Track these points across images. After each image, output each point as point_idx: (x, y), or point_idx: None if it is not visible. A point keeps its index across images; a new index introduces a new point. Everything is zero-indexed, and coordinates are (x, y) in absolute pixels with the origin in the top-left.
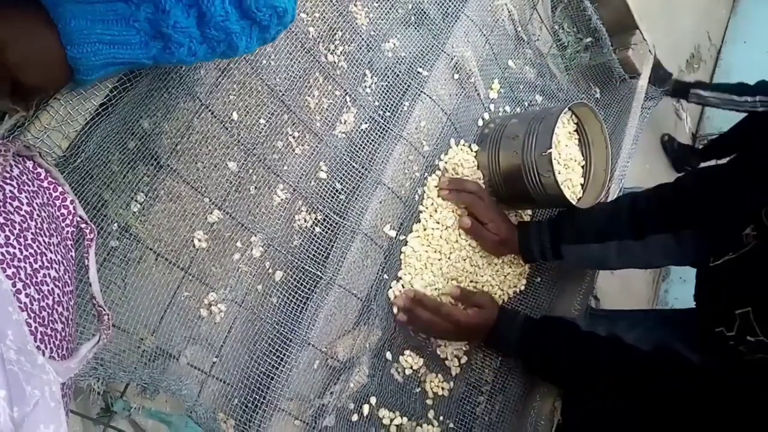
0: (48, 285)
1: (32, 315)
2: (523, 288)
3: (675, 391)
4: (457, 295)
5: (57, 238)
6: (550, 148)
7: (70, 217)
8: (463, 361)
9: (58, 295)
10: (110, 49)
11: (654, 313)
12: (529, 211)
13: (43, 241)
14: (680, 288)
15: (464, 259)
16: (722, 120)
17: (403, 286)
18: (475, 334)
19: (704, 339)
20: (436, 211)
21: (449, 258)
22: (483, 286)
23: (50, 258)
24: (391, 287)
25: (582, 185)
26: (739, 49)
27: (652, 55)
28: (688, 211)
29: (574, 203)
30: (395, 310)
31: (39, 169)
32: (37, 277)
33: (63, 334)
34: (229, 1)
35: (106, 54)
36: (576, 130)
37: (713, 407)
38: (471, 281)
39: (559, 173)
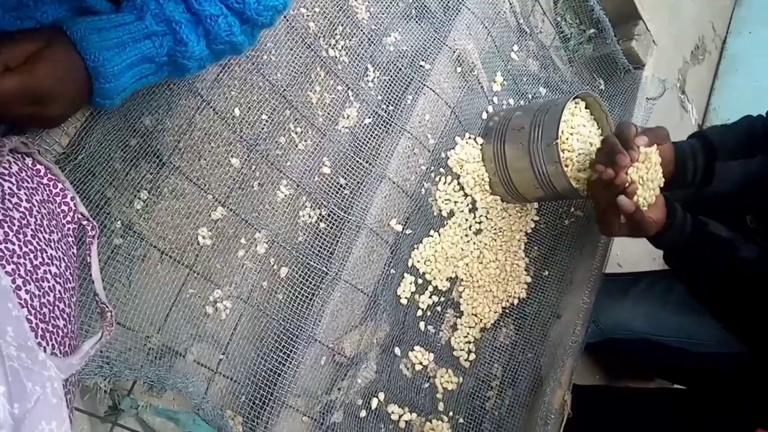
0: (49, 281)
1: (33, 311)
2: (530, 281)
3: None
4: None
5: (57, 234)
6: (557, 139)
7: (71, 213)
8: (472, 357)
9: (59, 291)
10: (132, 86)
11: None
12: (536, 205)
13: (43, 237)
14: None
15: (471, 253)
16: (729, 111)
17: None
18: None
19: None
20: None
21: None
22: (488, 282)
23: (51, 254)
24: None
25: None
26: (744, 40)
27: (655, 45)
28: None
29: (582, 195)
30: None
31: (38, 166)
32: (37, 274)
33: (65, 330)
34: (231, 15)
35: (129, 90)
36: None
37: None
38: (476, 274)
39: (567, 166)
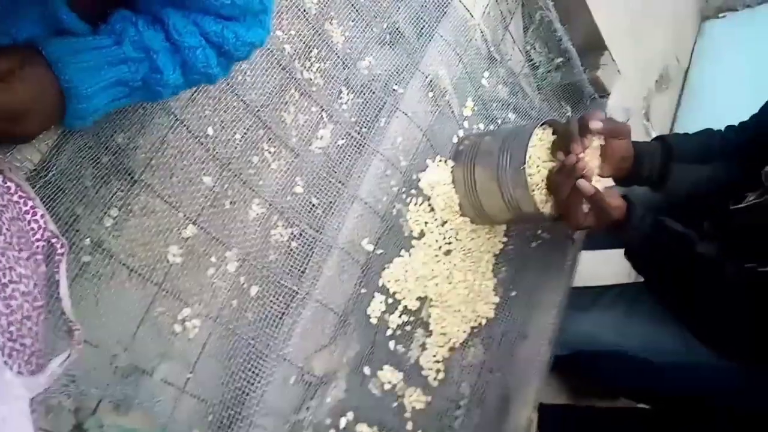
0: (17, 299)
1: (0, 330)
2: (497, 302)
3: None
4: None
5: (27, 252)
6: (524, 164)
7: (41, 231)
8: (440, 376)
9: (27, 309)
10: (105, 107)
11: (637, 285)
12: (504, 227)
13: (12, 255)
14: None
15: (441, 273)
16: None
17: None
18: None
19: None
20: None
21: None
22: (457, 302)
23: (19, 272)
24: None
25: None
26: (706, 70)
27: (620, 75)
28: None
29: (550, 219)
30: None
31: (9, 183)
32: (5, 292)
33: (32, 349)
34: (209, 47)
35: (102, 111)
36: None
37: None
38: (445, 294)
39: (534, 191)
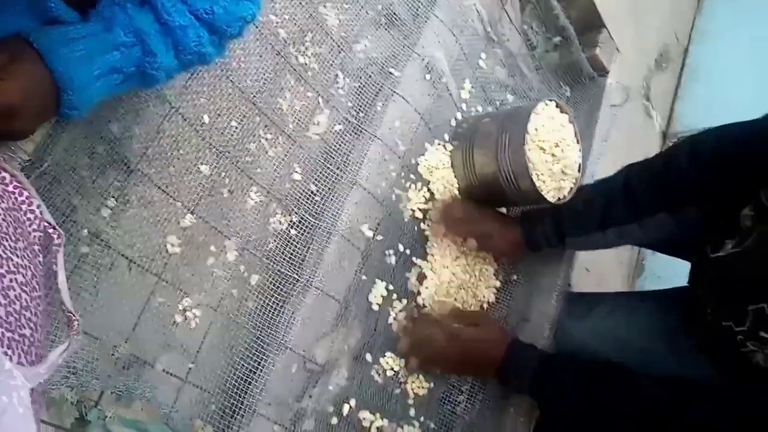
0: (15, 290)
1: None
2: (498, 286)
3: (702, 422)
4: (447, 311)
5: (23, 242)
6: (524, 144)
7: (37, 221)
8: None
9: (25, 300)
10: (100, 96)
11: (635, 294)
12: (504, 210)
13: (9, 245)
14: (656, 285)
15: (441, 259)
16: (692, 119)
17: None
18: (481, 360)
19: (706, 334)
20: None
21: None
22: (458, 285)
23: (17, 263)
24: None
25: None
26: (706, 49)
27: (619, 53)
28: (682, 189)
29: (550, 201)
30: (402, 342)
31: (3, 174)
32: (3, 282)
33: (32, 339)
34: (200, 25)
35: (97, 100)
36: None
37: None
38: (446, 279)
39: (533, 172)
